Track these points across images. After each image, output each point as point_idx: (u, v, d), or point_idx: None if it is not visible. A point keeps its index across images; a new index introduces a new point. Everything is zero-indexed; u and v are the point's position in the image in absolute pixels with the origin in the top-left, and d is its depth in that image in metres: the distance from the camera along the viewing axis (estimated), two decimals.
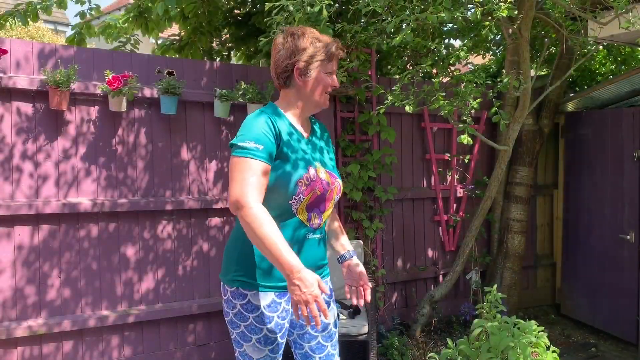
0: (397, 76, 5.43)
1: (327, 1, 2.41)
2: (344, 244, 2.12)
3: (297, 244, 1.88)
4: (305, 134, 1.94)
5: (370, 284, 2.04)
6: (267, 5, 2.64)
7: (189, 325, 3.57)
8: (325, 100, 1.93)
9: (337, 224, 2.16)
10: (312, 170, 1.86)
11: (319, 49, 1.85)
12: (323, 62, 1.86)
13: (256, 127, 1.79)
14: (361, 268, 2.05)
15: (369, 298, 1.99)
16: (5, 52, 2.98)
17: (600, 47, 5.21)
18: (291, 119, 1.91)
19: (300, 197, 1.82)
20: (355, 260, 2.08)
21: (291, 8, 2.53)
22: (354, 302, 2.02)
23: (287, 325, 1.96)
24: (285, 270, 1.65)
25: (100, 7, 4.56)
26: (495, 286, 3.26)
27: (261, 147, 1.75)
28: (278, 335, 1.91)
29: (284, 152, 1.82)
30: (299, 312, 1.65)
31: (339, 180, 1.99)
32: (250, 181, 1.71)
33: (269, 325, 1.88)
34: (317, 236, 1.94)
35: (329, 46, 1.86)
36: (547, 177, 5.11)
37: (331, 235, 2.15)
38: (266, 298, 1.88)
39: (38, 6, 4.16)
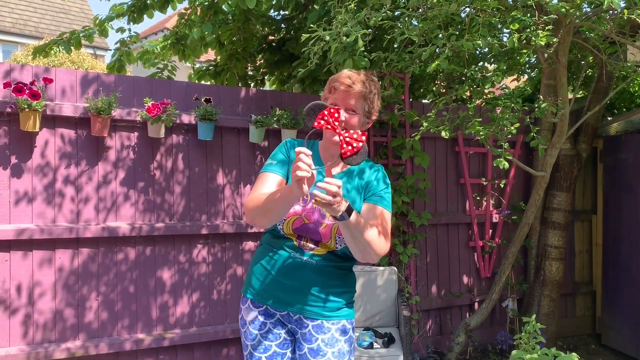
0: (430, 99, 5.42)
1: (362, 31, 2.44)
2: None
3: (284, 260, 1.88)
4: (334, 169, 1.93)
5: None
6: (304, 36, 2.68)
7: (223, 350, 3.58)
8: (330, 135, 1.84)
9: None
10: (306, 197, 1.85)
11: (327, 86, 1.90)
12: (327, 96, 1.89)
13: (278, 147, 1.98)
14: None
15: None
16: (51, 81, 3.10)
17: None
18: (320, 151, 1.97)
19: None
20: None
21: (327, 38, 2.56)
22: None
23: (282, 352, 1.93)
24: (292, 192, 1.61)
25: (139, 34, 4.70)
26: (534, 316, 3.18)
27: (274, 162, 1.91)
28: (263, 356, 1.91)
29: (289, 171, 1.89)
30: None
31: None
32: (257, 189, 1.84)
33: (251, 343, 1.92)
34: (309, 260, 1.86)
35: (331, 82, 1.88)
36: (585, 203, 4.98)
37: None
38: (251, 314, 1.93)
39: (81, 34, 4.32)
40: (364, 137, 1.62)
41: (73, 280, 3.20)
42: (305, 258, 1.86)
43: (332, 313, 1.89)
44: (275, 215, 1.74)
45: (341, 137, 1.61)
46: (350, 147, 1.61)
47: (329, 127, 1.63)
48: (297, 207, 1.86)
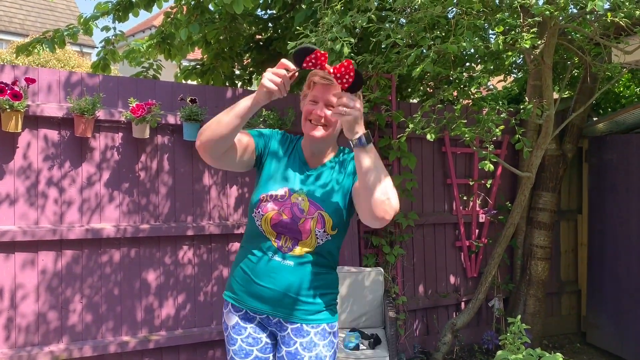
0: (417, 99, 5.43)
1: (348, 38, 2.43)
2: None
3: (261, 262, 1.84)
4: (311, 163, 1.91)
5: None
6: (290, 44, 2.66)
7: (209, 352, 3.56)
8: (309, 130, 1.83)
9: None
10: (284, 192, 1.83)
11: (307, 80, 1.87)
12: (306, 92, 1.87)
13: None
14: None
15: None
16: (33, 81, 3.05)
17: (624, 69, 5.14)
18: (303, 148, 1.93)
19: (259, 212, 1.83)
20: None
21: (313, 41, 2.54)
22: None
23: (265, 356, 1.91)
24: (249, 101, 1.64)
25: (124, 32, 4.66)
26: (519, 317, 3.20)
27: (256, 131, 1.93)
28: None
29: (267, 161, 1.89)
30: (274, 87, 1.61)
31: (324, 213, 1.81)
32: None
33: (232, 348, 1.92)
34: (288, 262, 1.82)
35: (311, 76, 1.85)
36: (570, 202, 5.02)
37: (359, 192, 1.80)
38: (232, 318, 1.92)
39: (65, 33, 4.27)
40: (351, 66, 1.60)
41: (56, 282, 3.16)
42: (283, 260, 1.82)
43: (311, 316, 1.86)
44: (224, 126, 1.67)
45: (332, 75, 1.61)
46: (344, 80, 1.60)
47: (318, 67, 1.61)
48: (272, 205, 1.82)
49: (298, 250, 1.83)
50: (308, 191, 1.85)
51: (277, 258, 1.83)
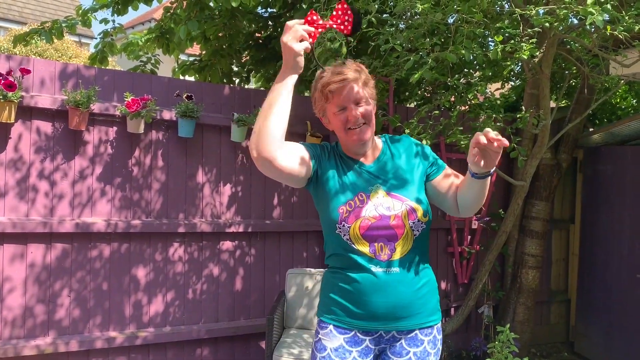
0: (415, 104, 5.42)
1: (347, 38, 2.42)
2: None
3: (363, 282, 1.71)
4: (365, 160, 1.82)
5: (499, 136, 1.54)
6: None
7: (196, 350, 3.55)
8: (352, 136, 1.75)
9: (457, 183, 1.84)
10: (360, 196, 1.74)
11: (318, 95, 1.79)
12: (325, 106, 1.78)
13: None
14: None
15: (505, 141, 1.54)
16: (28, 72, 3.03)
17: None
18: (347, 151, 1.84)
19: (344, 225, 1.71)
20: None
21: None
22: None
23: None
24: (283, 77, 1.62)
25: (123, 25, 4.63)
26: (508, 325, 3.20)
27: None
28: None
29: (324, 175, 1.78)
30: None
31: (411, 203, 1.74)
32: None
33: None
34: (393, 269, 1.71)
35: (323, 90, 1.76)
36: (563, 212, 5.02)
37: (460, 195, 1.80)
38: (335, 341, 1.76)
39: (63, 25, 4.24)
40: (345, 5, 1.60)
41: (45, 276, 3.14)
42: (388, 269, 1.71)
43: (425, 319, 1.77)
44: (275, 114, 1.62)
45: (334, 26, 1.61)
46: (345, 22, 1.60)
47: (318, 26, 1.60)
48: (356, 213, 1.71)
49: (398, 252, 1.72)
50: (383, 186, 1.76)
51: (379, 269, 1.71)
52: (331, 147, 1.87)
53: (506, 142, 1.52)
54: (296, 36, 1.57)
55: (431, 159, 1.87)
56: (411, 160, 1.84)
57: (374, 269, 1.71)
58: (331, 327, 1.78)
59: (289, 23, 1.58)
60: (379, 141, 1.88)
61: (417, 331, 1.76)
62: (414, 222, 1.73)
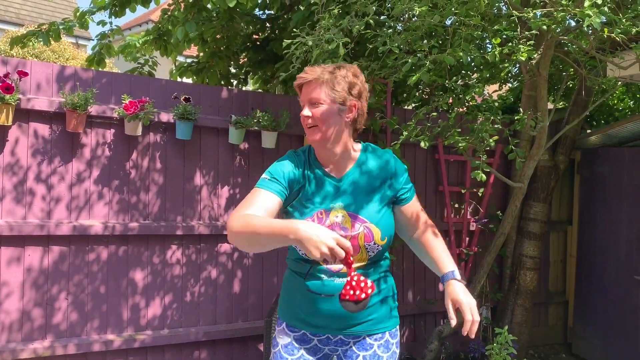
0: (413, 105, 5.42)
1: (344, 39, 2.42)
2: (438, 261, 1.82)
3: (313, 289, 1.75)
4: (333, 171, 1.78)
5: (476, 317, 1.67)
6: (286, 41, 2.65)
7: (194, 352, 3.54)
8: (308, 136, 1.76)
9: (425, 236, 1.87)
10: (320, 214, 1.74)
11: None
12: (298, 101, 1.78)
13: (280, 161, 1.80)
14: (461, 297, 1.70)
15: (472, 335, 1.67)
16: (25, 74, 3.02)
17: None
18: (319, 157, 1.81)
19: None
20: (453, 285, 1.75)
21: (310, 43, 2.53)
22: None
23: None
24: (286, 235, 1.50)
25: (120, 27, 4.62)
26: (506, 327, 3.20)
27: (271, 178, 1.72)
28: None
29: (293, 194, 1.76)
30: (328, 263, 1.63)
31: (370, 225, 1.72)
32: (245, 206, 1.65)
33: None
34: (340, 280, 1.70)
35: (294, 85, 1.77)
36: (561, 213, 5.03)
37: (420, 253, 1.90)
38: (285, 338, 1.85)
39: (61, 27, 4.23)
40: (370, 291, 1.55)
41: (42, 279, 3.13)
42: (334, 278, 1.72)
43: (374, 326, 1.80)
44: (259, 249, 1.70)
45: (349, 278, 1.55)
46: (352, 292, 1.54)
47: (350, 269, 1.57)
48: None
49: (342, 269, 1.72)
50: (344, 205, 1.74)
51: (329, 278, 1.73)
52: (303, 152, 1.83)
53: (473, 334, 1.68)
54: (326, 250, 1.47)
55: (403, 184, 1.83)
56: (382, 180, 1.80)
57: (324, 277, 1.74)
58: (284, 325, 1.87)
59: (342, 243, 1.50)
60: (356, 153, 1.83)
61: (365, 337, 1.80)
62: (369, 245, 1.74)
